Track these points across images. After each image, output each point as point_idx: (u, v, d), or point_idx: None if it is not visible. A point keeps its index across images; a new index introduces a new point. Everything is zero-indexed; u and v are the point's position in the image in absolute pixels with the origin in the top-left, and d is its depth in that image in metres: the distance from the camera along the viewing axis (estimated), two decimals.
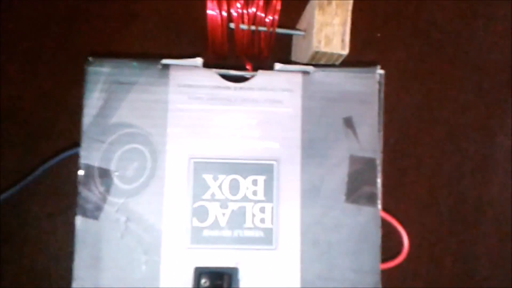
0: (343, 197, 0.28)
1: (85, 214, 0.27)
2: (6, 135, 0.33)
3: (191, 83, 0.28)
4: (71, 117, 0.32)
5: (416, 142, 0.36)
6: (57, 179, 0.32)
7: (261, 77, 0.29)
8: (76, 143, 0.28)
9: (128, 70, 0.28)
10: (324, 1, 0.30)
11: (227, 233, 0.28)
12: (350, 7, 0.30)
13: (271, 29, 0.30)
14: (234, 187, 0.28)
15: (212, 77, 0.29)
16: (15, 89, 0.33)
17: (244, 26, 0.30)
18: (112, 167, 0.28)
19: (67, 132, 0.32)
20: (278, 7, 0.30)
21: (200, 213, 0.28)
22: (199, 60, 0.29)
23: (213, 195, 0.28)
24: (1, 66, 0.33)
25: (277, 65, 0.29)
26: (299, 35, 0.32)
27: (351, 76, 0.29)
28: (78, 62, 0.29)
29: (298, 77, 0.29)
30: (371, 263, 0.28)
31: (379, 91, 0.29)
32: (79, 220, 0.27)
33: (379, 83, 0.29)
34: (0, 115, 0.33)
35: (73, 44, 0.34)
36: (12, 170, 0.32)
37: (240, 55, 0.31)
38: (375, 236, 0.28)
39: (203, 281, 0.27)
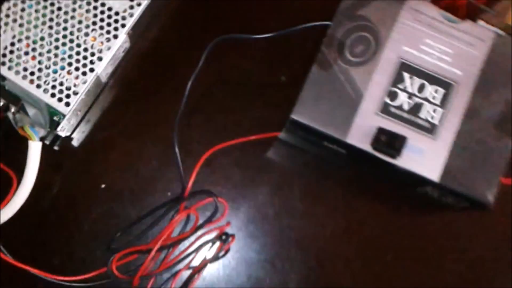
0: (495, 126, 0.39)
1: (320, 65, 0.39)
2: None
3: (421, 9, 0.40)
4: None
5: None
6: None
7: (467, 24, 0.40)
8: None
9: None
10: None
11: (406, 115, 0.39)
12: None
13: None
14: (421, 88, 0.39)
15: (436, 12, 0.40)
16: None
17: None
18: (347, 42, 0.40)
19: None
20: None
21: (393, 95, 0.39)
22: None
23: (405, 87, 0.39)
24: None
25: (480, 22, 0.40)
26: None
27: None
28: None
29: (491, 35, 0.40)
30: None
31: None
32: (314, 68, 0.39)
33: None
34: None
35: None
36: None
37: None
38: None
39: (382, 137, 0.38)
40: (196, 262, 0.43)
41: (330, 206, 0.45)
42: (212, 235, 0.43)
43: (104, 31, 0.44)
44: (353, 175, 0.45)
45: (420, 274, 0.45)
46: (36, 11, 0.44)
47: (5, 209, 0.42)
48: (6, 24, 0.43)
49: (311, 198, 0.45)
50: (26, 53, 0.43)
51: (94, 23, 0.44)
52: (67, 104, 0.42)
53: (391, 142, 0.38)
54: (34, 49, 0.43)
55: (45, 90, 0.42)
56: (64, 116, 0.42)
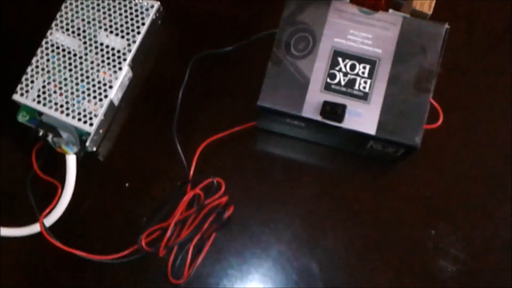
0: (413, 86, 0.51)
1: (273, 62, 0.52)
2: None
3: (343, 8, 0.53)
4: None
5: None
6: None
7: (380, 14, 0.53)
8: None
9: None
10: None
11: (344, 89, 0.51)
12: None
13: None
14: (353, 67, 0.52)
15: (355, 9, 0.53)
16: None
17: None
18: (292, 42, 0.52)
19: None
20: None
21: (332, 76, 0.52)
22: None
23: (340, 68, 0.52)
24: None
25: (391, 10, 0.53)
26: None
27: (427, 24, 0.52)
28: None
29: (400, 19, 0.52)
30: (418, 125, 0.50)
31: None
32: (270, 64, 0.52)
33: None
34: None
35: None
36: None
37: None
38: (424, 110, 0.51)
39: (328, 107, 0.50)
40: (206, 232, 0.55)
41: (307, 175, 0.57)
42: (216, 208, 0.55)
43: (111, 66, 0.57)
44: (315, 150, 0.58)
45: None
46: (58, 59, 0.57)
47: (55, 210, 0.54)
48: (37, 73, 0.57)
49: (290, 170, 0.58)
50: (55, 92, 0.56)
51: (103, 61, 0.57)
52: (91, 124, 0.55)
53: (335, 110, 0.50)
54: (60, 88, 0.56)
55: (73, 117, 0.55)
56: (89, 134, 0.56)
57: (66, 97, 0.56)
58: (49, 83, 0.56)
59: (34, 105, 0.56)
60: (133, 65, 0.58)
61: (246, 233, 0.56)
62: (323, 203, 0.57)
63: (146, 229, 0.54)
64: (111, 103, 0.57)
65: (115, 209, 0.57)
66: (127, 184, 0.57)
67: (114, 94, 0.57)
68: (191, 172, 0.56)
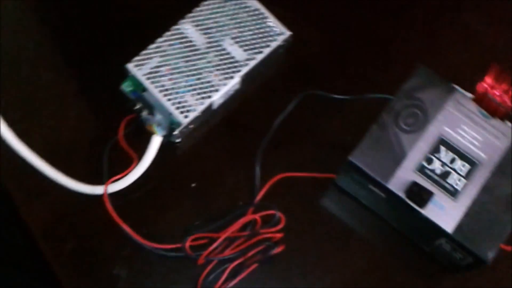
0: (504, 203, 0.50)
1: (379, 126, 0.52)
2: None
3: (463, 103, 0.53)
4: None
5: None
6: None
7: (496, 121, 0.52)
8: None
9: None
10: None
11: (437, 177, 0.51)
12: None
13: None
14: (452, 161, 0.51)
15: (474, 107, 0.53)
16: None
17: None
18: (403, 113, 0.52)
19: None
20: None
21: (429, 160, 0.51)
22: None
23: (440, 157, 0.52)
24: None
25: (507, 122, 0.52)
26: None
27: None
28: None
29: None
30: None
31: None
32: (374, 126, 0.52)
33: None
34: None
35: None
36: None
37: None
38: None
39: (415, 188, 0.50)
40: (249, 259, 0.55)
41: (362, 247, 0.56)
42: (267, 241, 0.55)
43: (224, 71, 0.59)
44: (379, 226, 0.57)
45: None
46: (179, 48, 0.59)
47: (122, 180, 0.56)
48: (156, 52, 0.59)
49: (348, 235, 0.57)
50: (165, 75, 0.58)
51: (219, 64, 0.59)
52: (186, 116, 0.57)
53: (421, 194, 0.50)
54: (171, 74, 0.58)
55: (173, 103, 0.57)
56: (180, 125, 0.57)
57: (174, 83, 0.58)
58: (163, 66, 0.58)
59: (143, 79, 0.57)
60: (244, 79, 0.60)
61: (285, 277, 0.55)
62: (365, 281, 0.55)
63: (195, 233, 0.54)
64: (211, 105, 0.58)
65: (174, 202, 0.57)
66: (193, 184, 0.58)
67: (217, 98, 0.58)
68: (258, 197, 0.56)
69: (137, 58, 0.58)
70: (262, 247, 0.55)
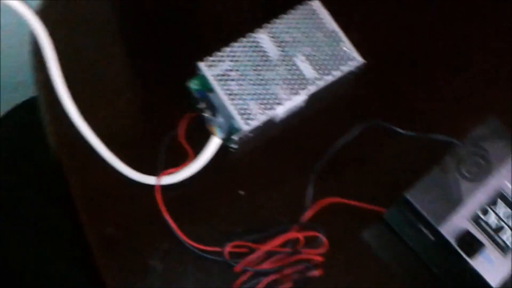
0: None
1: (440, 168, 0.52)
2: None
3: None
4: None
5: None
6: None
7: None
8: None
9: None
10: None
11: (490, 231, 0.50)
12: None
13: None
14: (509, 217, 0.50)
15: None
16: None
17: None
18: (466, 160, 0.52)
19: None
20: None
21: (485, 212, 0.51)
22: None
23: (497, 211, 0.51)
24: None
25: None
26: None
27: None
28: None
29: None
30: None
31: None
32: (435, 168, 0.52)
33: None
34: None
35: None
36: None
37: None
38: None
39: (467, 237, 0.49)
40: (285, 277, 0.54)
41: None
42: (306, 262, 0.55)
43: (291, 87, 0.59)
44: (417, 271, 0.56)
45: None
46: (252, 56, 0.60)
47: (176, 174, 0.56)
48: (228, 56, 0.59)
49: (384, 276, 0.56)
50: (234, 80, 0.59)
51: (287, 79, 0.59)
52: (247, 124, 0.57)
53: (472, 245, 0.49)
54: (239, 79, 0.59)
55: (237, 109, 0.57)
56: (239, 131, 0.57)
57: (241, 90, 0.58)
58: (233, 70, 0.59)
59: (212, 80, 0.58)
60: (310, 98, 0.60)
61: None
62: None
63: (236, 240, 0.54)
64: (273, 118, 0.58)
65: (220, 205, 0.57)
66: (242, 192, 0.58)
67: (280, 112, 0.58)
68: (305, 216, 0.56)
69: (210, 58, 0.59)
70: (301, 267, 0.54)
